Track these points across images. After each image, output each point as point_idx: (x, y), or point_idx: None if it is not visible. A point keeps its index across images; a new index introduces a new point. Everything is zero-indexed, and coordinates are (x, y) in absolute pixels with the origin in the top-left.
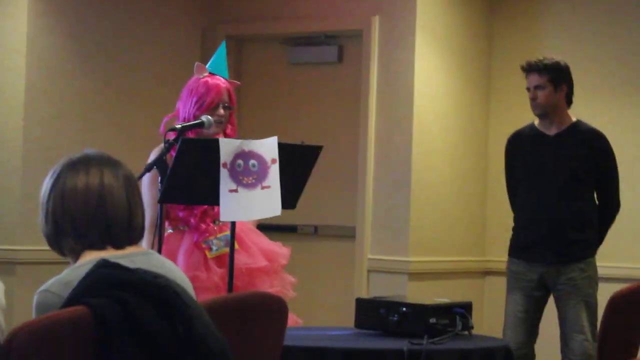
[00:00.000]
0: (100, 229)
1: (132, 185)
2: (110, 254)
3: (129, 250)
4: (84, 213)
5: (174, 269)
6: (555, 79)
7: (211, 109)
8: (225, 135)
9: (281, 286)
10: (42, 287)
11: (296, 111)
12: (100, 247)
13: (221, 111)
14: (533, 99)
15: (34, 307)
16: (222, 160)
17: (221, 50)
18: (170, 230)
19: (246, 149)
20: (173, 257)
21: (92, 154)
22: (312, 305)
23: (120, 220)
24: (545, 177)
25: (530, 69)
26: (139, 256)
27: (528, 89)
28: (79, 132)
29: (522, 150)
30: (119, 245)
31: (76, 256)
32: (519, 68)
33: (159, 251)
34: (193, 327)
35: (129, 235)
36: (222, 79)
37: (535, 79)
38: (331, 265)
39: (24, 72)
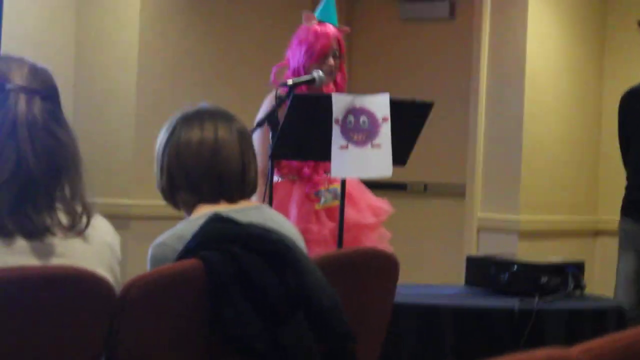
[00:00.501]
0: (213, 182)
1: (245, 140)
2: (223, 208)
3: (242, 204)
4: (198, 166)
5: (285, 222)
6: None
7: (321, 58)
8: (335, 84)
9: (380, 240)
10: (157, 241)
11: (407, 67)
12: (214, 200)
13: (331, 60)
14: None
15: (148, 259)
16: (334, 116)
17: None
18: (278, 179)
19: (357, 104)
20: (284, 207)
21: (206, 108)
22: (422, 263)
23: (233, 175)
24: None
25: None
26: (252, 210)
27: None
28: (191, 87)
29: (636, 108)
30: (231, 199)
31: (190, 209)
32: (634, 23)
33: (270, 204)
34: (304, 282)
35: (242, 189)
36: (331, 26)
37: None
38: (441, 223)
39: (138, 28)
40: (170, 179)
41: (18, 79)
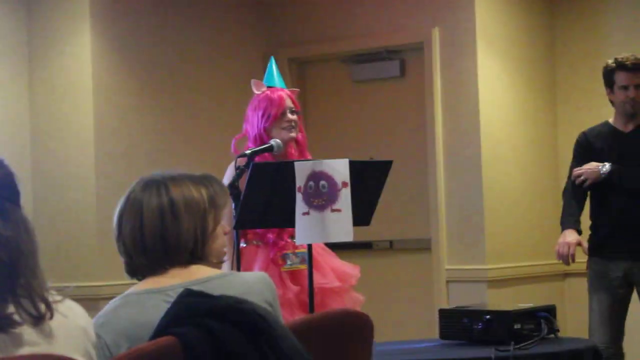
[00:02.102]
0: (162, 248)
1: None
2: (181, 280)
3: (202, 272)
4: (149, 232)
5: (253, 284)
6: None
7: (279, 118)
8: (297, 142)
9: (352, 305)
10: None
11: (362, 128)
12: (164, 268)
13: (289, 116)
14: (634, 98)
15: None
16: (297, 184)
17: (271, 65)
18: (243, 245)
19: (317, 169)
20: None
21: (167, 173)
22: (394, 319)
23: (181, 241)
24: None
25: (633, 67)
26: (216, 280)
27: (625, 87)
28: (149, 166)
29: (597, 147)
30: (180, 265)
31: (140, 278)
32: (583, 70)
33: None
34: (280, 349)
35: (190, 256)
36: (281, 88)
37: (636, 78)
38: (409, 279)
39: (92, 111)
40: (124, 245)
41: None
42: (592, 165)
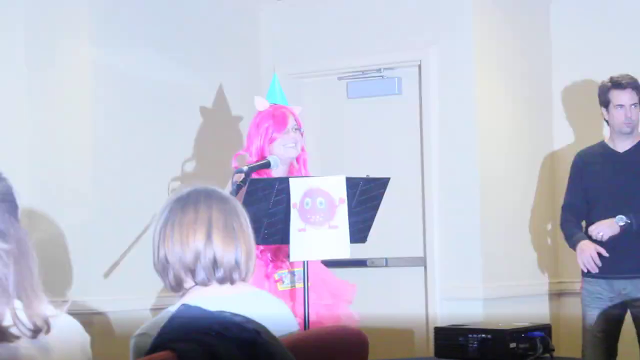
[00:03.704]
0: (207, 264)
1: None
2: (219, 293)
3: (240, 288)
4: (190, 248)
5: (281, 309)
6: None
7: (281, 135)
8: (298, 160)
9: (346, 323)
10: (138, 331)
11: (358, 145)
12: (206, 283)
13: (292, 134)
14: (628, 117)
15: (131, 349)
16: (292, 200)
17: (274, 82)
18: None
19: (314, 186)
20: None
21: (201, 188)
22: (388, 337)
23: (227, 257)
24: (619, 193)
25: (628, 86)
26: (250, 296)
27: (620, 106)
28: (147, 181)
29: (591, 170)
30: (224, 282)
31: (182, 291)
32: (580, 89)
33: None
34: None
35: (237, 271)
36: (284, 105)
37: (632, 97)
38: (404, 296)
39: (91, 124)
40: (165, 260)
41: None
42: (608, 221)
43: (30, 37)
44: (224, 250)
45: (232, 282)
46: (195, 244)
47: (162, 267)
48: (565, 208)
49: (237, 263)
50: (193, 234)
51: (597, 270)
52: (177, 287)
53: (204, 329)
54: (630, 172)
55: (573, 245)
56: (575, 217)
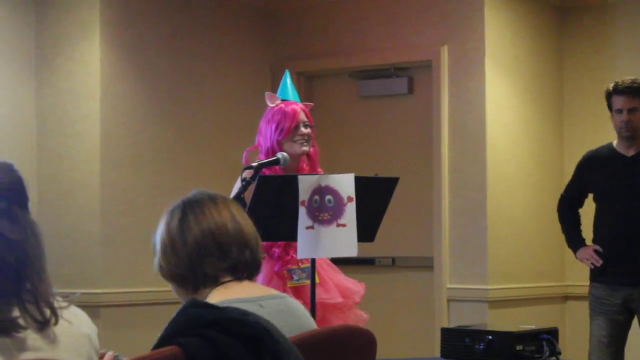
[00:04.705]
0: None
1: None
2: (241, 294)
3: (260, 291)
4: (227, 248)
5: (303, 316)
6: None
7: (292, 131)
8: (309, 157)
9: (355, 322)
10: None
11: (368, 144)
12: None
13: (303, 130)
14: (627, 122)
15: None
16: (300, 198)
17: (285, 78)
18: None
19: (323, 184)
20: None
21: (209, 192)
22: (394, 336)
23: (245, 256)
24: (625, 198)
25: (626, 91)
26: (272, 300)
27: (619, 111)
28: (154, 174)
29: (598, 171)
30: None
31: (202, 292)
32: (590, 92)
33: None
34: None
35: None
36: (295, 102)
37: (629, 101)
38: (411, 296)
39: (99, 118)
40: (189, 263)
41: None
42: (589, 250)
43: (42, 23)
44: (244, 250)
45: (247, 279)
46: (228, 244)
47: (189, 270)
48: (563, 198)
49: (254, 261)
50: (223, 234)
51: (600, 263)
52: (202, 288)
53: (209, 324)
54: (634, 177)
55: (572, 249)
56: (571, 206)
